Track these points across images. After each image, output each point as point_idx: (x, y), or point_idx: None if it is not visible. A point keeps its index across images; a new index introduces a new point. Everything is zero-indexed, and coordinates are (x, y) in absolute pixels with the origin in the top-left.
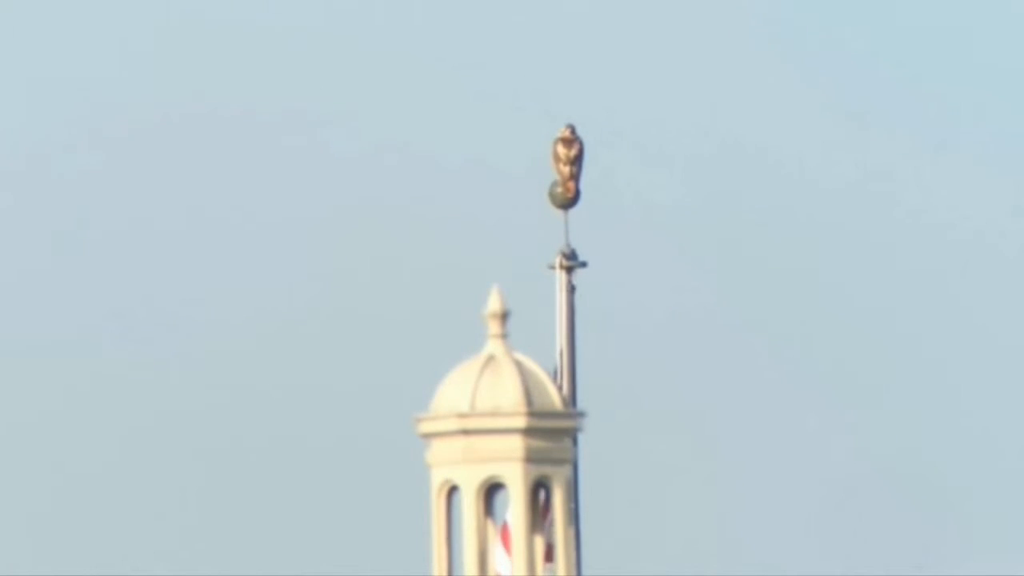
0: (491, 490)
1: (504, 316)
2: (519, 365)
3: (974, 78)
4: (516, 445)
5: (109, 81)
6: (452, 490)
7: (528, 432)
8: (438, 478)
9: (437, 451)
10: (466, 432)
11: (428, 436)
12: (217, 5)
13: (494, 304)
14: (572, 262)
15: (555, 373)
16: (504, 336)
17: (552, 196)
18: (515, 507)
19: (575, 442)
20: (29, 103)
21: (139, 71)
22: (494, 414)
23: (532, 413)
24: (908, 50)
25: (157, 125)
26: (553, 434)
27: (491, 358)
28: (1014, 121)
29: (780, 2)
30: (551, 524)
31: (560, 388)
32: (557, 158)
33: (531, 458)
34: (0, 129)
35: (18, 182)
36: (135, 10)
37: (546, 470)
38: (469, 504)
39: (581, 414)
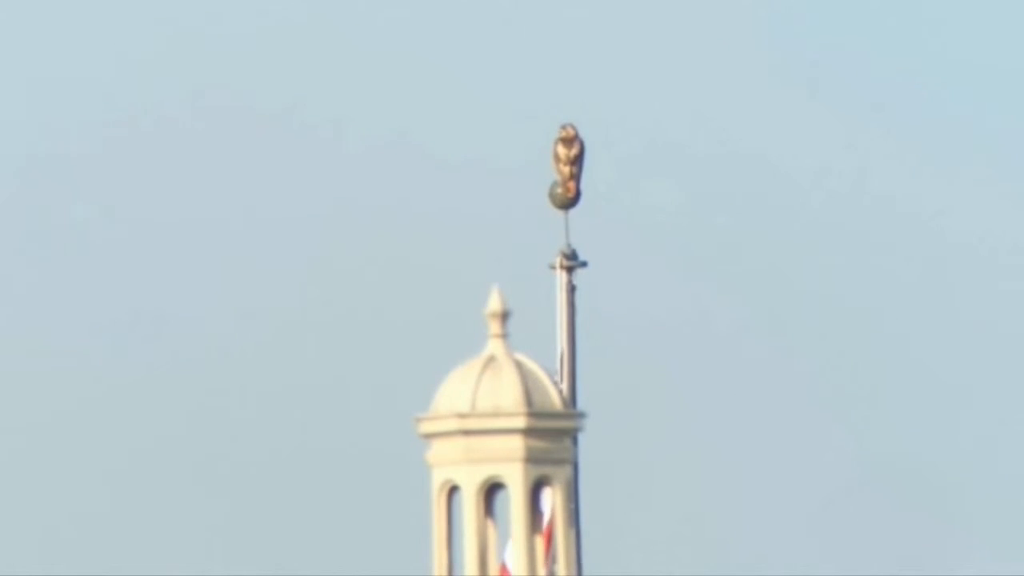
0: (491, 490)
1: (504, 316)
2: (519, 365)
3: (974, 82)
4: (516, 445)
5: (109, 80)
6: (453, 490)
7: (528, 432)
8: (439, 478)
9: (437, 451)
10: (466, 432)
11: (428, 436)
12: (217, 2)
13: (494, 304)
14: (572, 262)
15: (555, 373)
16: (504, 336)
17: (552, 196)
18: (515, 507)
19: (575, 442)
20: (28, 103)
21: (138, 70)
22: (494, 414)
23: (532, 413)
24: (907, 54)
25: (154, 124)
26: (553, 434)
27: (491, 358)
28: (1014, 123)
29: (780, 7)
30: (554, 533)
31: (560, 388)
32: (557, 158)
33: (531, 458)
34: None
35: (16, 183)
36: (135, 8)
37: (546, 470)
38: (470, 504)
39: (581, 414)
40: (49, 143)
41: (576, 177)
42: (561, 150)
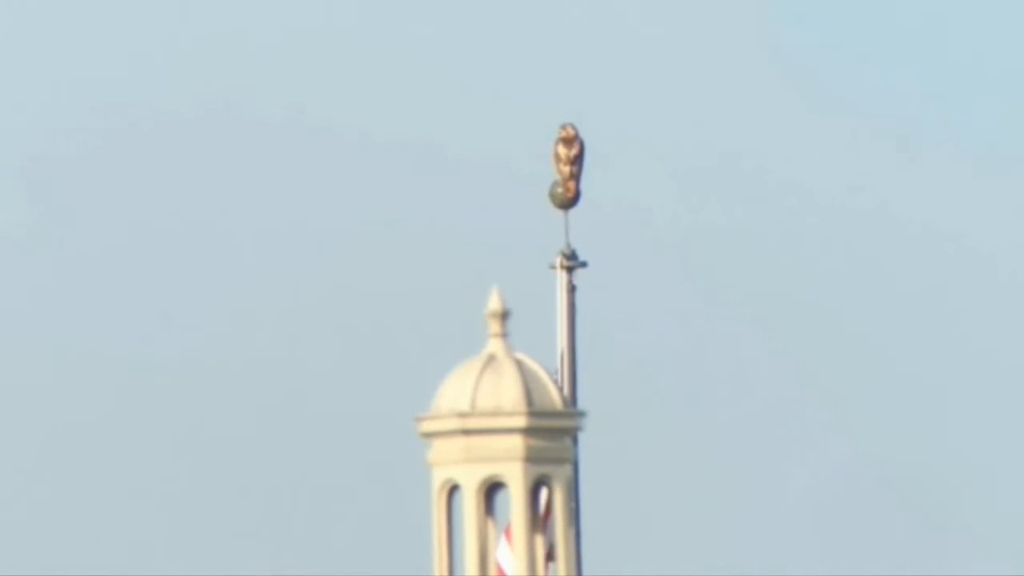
0: (492, 490)
1: (504, 316)
2: (520, 365)
3: (974, 84)
4: (516, 445)
5: (115, 83)
6: (453, 489)
7: (529, 432)
8: (439, 478)
9: (438, 451)
10: (467, 432)
11: (429, 436)
12: (219, 6)
13: (494, 304)
14: (572, 262)
15: (555, 373)
16: (504, 336)
17: (552, 196)
18: (515, 507)
19: (575, 442)
20: (34, 106)
21: (142, 73)
22: (495, 414)
23: (533, 413)
24: (908, 57)
25: (154, 129)
26: (553, 434)
27: (492, 358)
28: (1011, 128)
29: (782, 11)
30: (552, 525)
31: (560, 388)
32: (557, 158)
33: (531, 458)
34: (7, 132)
35: (20, 185)
36: (142, 11)
37: (546, 470)
38: (470, 504)
39: (581, 414)
40: (55, 147)
41: (576, 177)
42: (561, 150)
